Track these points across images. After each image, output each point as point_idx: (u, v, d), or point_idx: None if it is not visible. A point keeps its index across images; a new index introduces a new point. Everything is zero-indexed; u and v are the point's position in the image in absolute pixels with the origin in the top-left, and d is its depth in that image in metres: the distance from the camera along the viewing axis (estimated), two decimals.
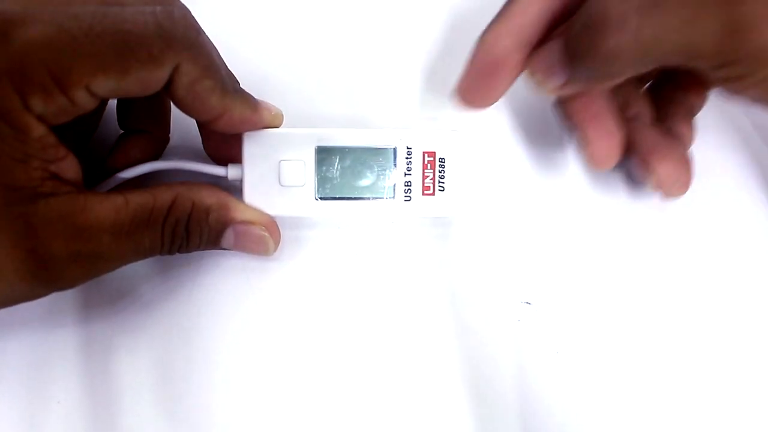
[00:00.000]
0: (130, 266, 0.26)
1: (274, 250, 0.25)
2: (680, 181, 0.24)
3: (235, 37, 0.26)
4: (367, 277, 0.26)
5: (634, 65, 0.21)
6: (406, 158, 0.25)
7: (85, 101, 0.20)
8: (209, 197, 0.23)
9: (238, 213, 0.24)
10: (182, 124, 0.27)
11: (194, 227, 0.23)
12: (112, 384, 0.25)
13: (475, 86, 0.24)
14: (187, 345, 0.25)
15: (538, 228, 0.28)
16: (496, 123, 0.29)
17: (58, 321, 0.25)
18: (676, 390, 0.25)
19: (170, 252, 0.23)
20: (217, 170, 0.25)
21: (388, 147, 0.25)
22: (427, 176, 0.25)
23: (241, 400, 0.25)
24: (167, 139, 0.26)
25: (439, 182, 0.25)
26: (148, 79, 0.20)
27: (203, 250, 0.24)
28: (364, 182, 0.25)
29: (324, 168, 0.25)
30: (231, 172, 0.25)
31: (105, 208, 0.21)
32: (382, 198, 0.25)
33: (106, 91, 0.20)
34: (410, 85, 0.26)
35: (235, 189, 0.25)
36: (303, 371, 0.25)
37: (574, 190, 0.29)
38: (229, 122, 0.23)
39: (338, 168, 0.25)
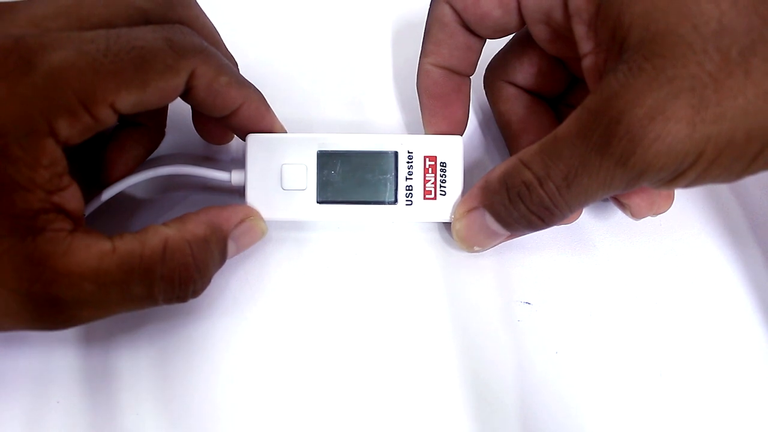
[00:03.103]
0: None
1: (266, 228, 0.25)
2: (654, 208, 0.25)
3: (236, 41, 0.26)
4: (367, 278, 0.26)
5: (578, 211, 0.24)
6: (408, 162, 0.25)
7: (108, 118, 0.20)
8: (198, 227, 0.22)
9: (230, 222, 0.24)
10: (181, 126, 0.27)
11: (204, 264, 0.22)
12: (112, 384, 0.25)
13: (435, 116, 0.26)
14: (187, 345, 0.25)
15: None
16: (492, 125, 0.29)
17: None
18: (676, 390, 0.25)
19: (183, 298, 0.22)
20: (220, 175, 0.25)
21: (390, 151, 0.25)
22: (429, 180, 0.25)
23: (241, 400, 0.25)
24: (163, 132, 0.26)
25: (441, 186, 0.25)
26: (167, 89, 0.21)
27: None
28: (366, 186, 0.25)
29: (325, 172, 0.25)
30: (234, 177, 0.25)
31: (88, 254, 0.20)
32: (383, 203, 0.25)
33: (129, 106, 0.20)
34: (412, 91, 0.26)
35: (232, 192, 0.25)
36: (303, 372, 0.25)
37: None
38: (247, 112, 0.24)
39: (339, 172, 0.25)
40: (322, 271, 0.27)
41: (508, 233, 0.24)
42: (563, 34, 0.23)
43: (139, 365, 0.25)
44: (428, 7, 0.25)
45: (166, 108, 0.26)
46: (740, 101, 0.18)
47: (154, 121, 0.26)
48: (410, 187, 0.25)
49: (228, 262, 0.25)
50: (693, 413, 0.25)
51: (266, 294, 0.26)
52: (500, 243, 0.25)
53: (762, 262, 0.28)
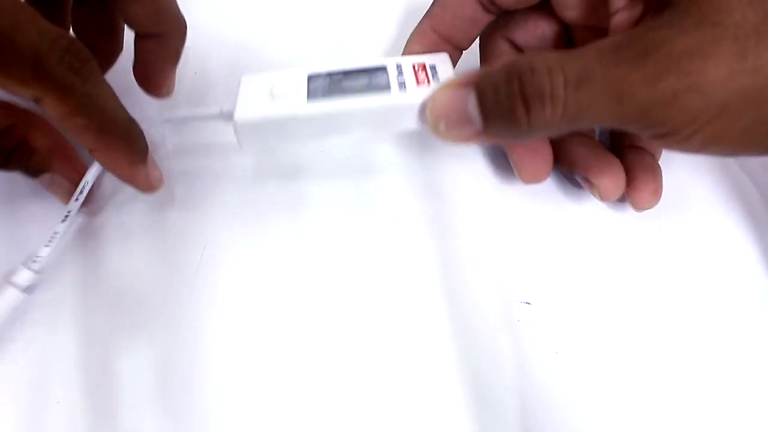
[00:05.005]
0: (129, 266, 0.27)
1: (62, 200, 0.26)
2: (618, 190, 0.25)
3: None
4: (366, 277, 0.26)
5: (559, 131, 0.21)
6: (397, 70, 0.24)
7: None
8: (41, 139, 0.24)
9: (57, 166, 0.25)
10: None
11: (15, 159, 0.24)
12: (112, 384, 0.25)
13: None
14: (187, 345, 0.25)
15: (538, 228, 0.28)
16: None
17: (58, 321, 0.25)
18: (676, 390, 0.25)
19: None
20: (211, 110, 0.25)
21: (379, 65, 0.25)
22: (420, 76, 0.24)
23: (241, 399, 0.25)
24: (119, 50, 0.27)
25: (433, 77, 0.24)
26: (10, 89, 0.20)
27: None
28: (357, 83, 0.24)
29: (315, 83, 0.25)
30: (225, 108, 0.25)
31: None
32: (375, 92, 0.24)
33: None
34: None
35: None
36: (303, 371, 0.25)
37: (574, 190, 0.29)
38: (104, 162, 0.24)
39: (330, 82, 0.24)
40: (322, 269, 0.27)
41: (479, 127, 0.22)
42: None
43: (139, 365, 0.25)
44: None
45: (120, 27, 0.27)
46: None
47: (108, 41, 0.26)
48: (402, 81, 0.24)
49: (228, 262, 0.25)
50: (693, 413, 0.25)
51: (266, 294, 0.26)
52: (466, 140, 0.23)
53: (763, 263, 0.28)
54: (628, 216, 0.28)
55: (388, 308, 0.26)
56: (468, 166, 0.29)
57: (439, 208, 0.28)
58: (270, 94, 0.24)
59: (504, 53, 0.26)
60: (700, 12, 0.18)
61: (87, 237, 0.27)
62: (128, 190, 0.27)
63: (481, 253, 0.27)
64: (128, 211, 0.28)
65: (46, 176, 0.25)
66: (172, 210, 0.28)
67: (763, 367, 0.26)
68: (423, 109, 0.23)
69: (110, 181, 0.28)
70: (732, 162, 0.30)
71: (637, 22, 0.21)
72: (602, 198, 0.25)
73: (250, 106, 0.24)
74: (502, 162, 0.29)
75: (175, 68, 0.27)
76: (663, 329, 0.26)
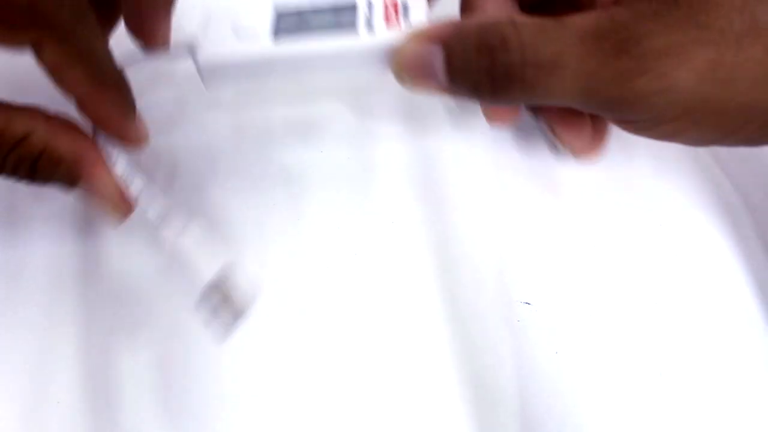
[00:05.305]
0: (129, 266, 0.27)
1: (118, 222, 0.24)
2: (581, 143, 0.25)
3: None
4: (366, 277, 0.26)
5: (524, 103, 0.21)
6: (368, 6, 0.24)
7: None
8: (65, 145, 0.22)
9: (91, 176, 0.23)
10: None
11: (42, 168, 0.22)
12: (112, 384, 0.25)
13: None
14: (187, 345, 0.25)
15: (538, 228, 0.28)
16: (491, 127, 0.29)
17: (58, 321, 0.25)
18: (676, 390, 0.25)
19: (11, 179, 0.22)
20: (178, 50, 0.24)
21: (350, 2, 0.24)
22: (390, 14, 0.23)
23: (241, 399, 0.25)
24: (119, 14, 0.25)
25: (404, 16, 0.24)
26: (6, 39, 0.20)
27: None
28: (324, 21, 0.24)
29: (281, 19, 0.24)
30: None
31: None
32: (341, 32, 0.23)
33: None
34: None
35: None
36: (303, 371, 0.25)
37: (574, 190, 0.29)
38: (95, 114, 0.23)
39: (297, 20, 0.24)
40: (322, 269, 0.27)
41: (444, 85, 0.22)
42: None
43: (139, 365, 0.25)
44: None
45: None
46: (752, 72, 0.18)
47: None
48: (371, 19, 0.23)
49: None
50: (693, 413, 0.25)
51: (266, 294, 0.26)
52: (429, 92, 0.23)
53: (764, 259, 0.28)
54: (628, 216, 0.28)
55: (387, 308, 0.26)
56: (468, 166, 0.29)
57: (439, 208, 0.28)
58: (233, 29, 0.23)
59: (484, 3, 0.25)
60: (690, 8, 0.18)
61: (87, 237, 0.27)
62: None
63: (481, 253, 0.27)
64: None
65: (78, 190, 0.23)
66: (172, 211, 0.28)
67: (764, 367, 0.26)
68: (389, 53, 0.23)
69: None
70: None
71: None
72: (565, 148, 0.25)
73: (214, 45, 0.23)
74: (503, 162, 0.29)
75: (171, 13, 0.25)
76: (663, 329, 0.26)
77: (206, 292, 0.22)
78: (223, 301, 0.22)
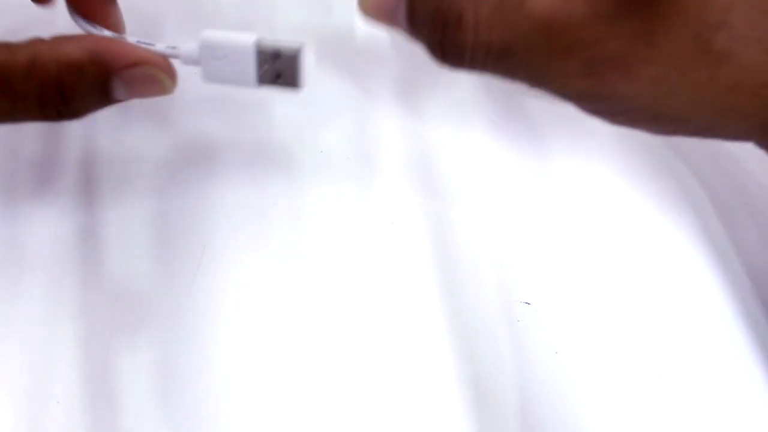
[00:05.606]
0: (129, 266, 0.26)
1: (173, 86, 0.23)
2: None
3: None
4: (366, 277, 0.26)
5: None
6: None
7: None
8: (77, 50, 0.21)
9: (118, 59, 0.21)
10: None
11: (70, 90, 0.21)
12: (112, 384, 0.25)
13: None
14: (187, 345, 0.25)
15: (538, 227, 0.28)
16: (492, 126, 0.29)
17: (58, 321, 0.25)
18: (676, 390, 0.25)
19: (50, 119, 0.21)
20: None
21: None
22: None
23: (241, 399, 0.25)
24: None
25: None
26: None
27: (95, 110, 0.22)
28: None
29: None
30: None
31: None
32: None
33: None
34: None
35: None
36: (302, 371, 0.25)
37: (575, 191, 0.29)
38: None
39: None
40: (321, 269, 0.27)
41: (406, 32, 0.22)
42: None
43: (139, 365, 0.25)
44: None
45: None
46: (692, 95, 0.19)
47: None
48: None
49: (229, 261, 0.25)
50: (693, 413, 0.25)
51: (266, 294, 0.26)
52: (394, 30, 0.23)
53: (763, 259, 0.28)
54: (628, 216, 0.28)
55: (387, 308, 0.26)
56: (468, 166, 0.29)
57: (439, 207, 0.28)
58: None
59: None
60: (644, 23, 0.19)
61: (87, 237, 0.27)
62: (128, 189, 0.27)
63: (481, 253, 0.27)
64: (128, 210, 0.28)
65: (117, 84, 0.22)
66: (172, 210, 0.28)
67: (764, 367, 0.26)
68: None
69: (110, 180, 0.28)
70: None
71: None
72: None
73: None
74: (503, 162, 0.29)
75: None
76: (663, 329, 0.26)
77: (258, 61, 0.22)
78: (275, 59, 0.22)
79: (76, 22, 0.24)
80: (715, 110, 0.20)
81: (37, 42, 0.21)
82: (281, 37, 0.22)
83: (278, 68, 0.22)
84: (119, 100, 0.22)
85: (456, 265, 0.27)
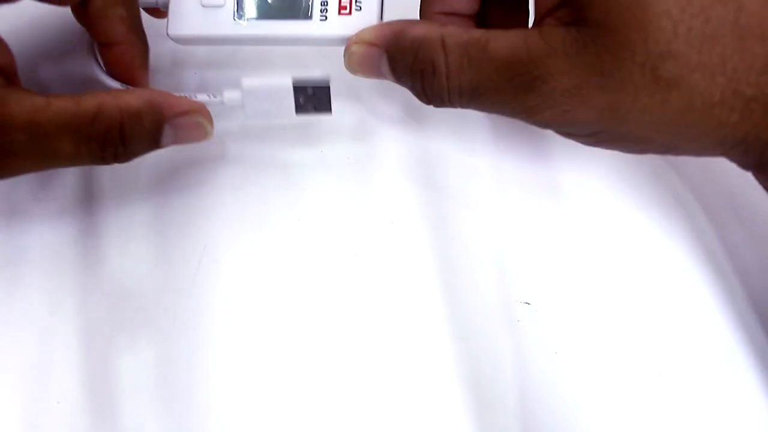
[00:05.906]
0: (130, 266, 0.27)
1: (212, 132, 0.26)
2: None
3: None
4: (366, 277, 0.26)
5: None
6: None
7: None
8: (136, 100, 0.23)
9: (170, 108, 0.24)
10: None
11: (130, 134, 0.23)
12: (112, 384, 0.25)
13: None
14: (187, 345, 0.25)
15: (538, 227, 0.28)
16: (491, 127, 0.29)
17: (58, 321, 0.25)
18: (676, 390, 0.25)
19: (107, 161, 0.23)
20: None
21: None
22: (344, 3, 0.26)
23: (241, 399, 0.25)
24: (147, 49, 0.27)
25: (356, 2, 0.26)
26: None
27: (144, 154, 0.24)
28: (282, 6, 0.26)
29: (243, 2, 0.26)
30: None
31: (22, 105, 0.21)
32: (298, 17, 0.26)
33: None
34: None
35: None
36: (302, 371, 0.25)
37: (574, 191, 0.29)
38: (126, 54, 0.25)
39: (259, 3, 0.26)
40: (321, 269, 0.27)
41: (392, 80, 0.25)
42: None
43: (139, 365, 0.25)
44: None
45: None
46: (647, 117, 0.21)
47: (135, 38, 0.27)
48: (325, 3, 0.26)
49: (229, 261, 0.25)
50: (693, 413, 0.25)
51: (266, 294, 0.26)
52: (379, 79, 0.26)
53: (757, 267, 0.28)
54: (628, 216, 0.28)
55: (387, 308, 0.26)
56: (468, 167, 0.29)
57: (439, 207, 0.28)
58: (200, 2, 0.26)
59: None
60: (596, 56, 0.20)
61: (87, 237, 0.27)
62: (128, 190, 0.27)
63: (481, 253, 0.27)
64: (128, 211, 0.28)
65: (167, 131, 0.24)
66: (172, 210, 0.28)
67: (764, 367, 0.26)
68: (340, 42, 0.26)
69: (110, 180, 0.28)
70: None
71: (554, 8, 0.22)
72: None
73: (182, 18, 0.26)
74: (504, 162, 0.29)
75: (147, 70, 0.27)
76: (663, 329, 0.26)
77: (296, 96, 0.26)
78: (309, 91, 0.26)
79: (106, 83, 0.26)
80: (671, 131, 0.21)
81: (100, 93, 0.23)
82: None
83: (313, 99, 0.26)
84: (164, 146, 0.25)
85: (456, 265, 0.27)
